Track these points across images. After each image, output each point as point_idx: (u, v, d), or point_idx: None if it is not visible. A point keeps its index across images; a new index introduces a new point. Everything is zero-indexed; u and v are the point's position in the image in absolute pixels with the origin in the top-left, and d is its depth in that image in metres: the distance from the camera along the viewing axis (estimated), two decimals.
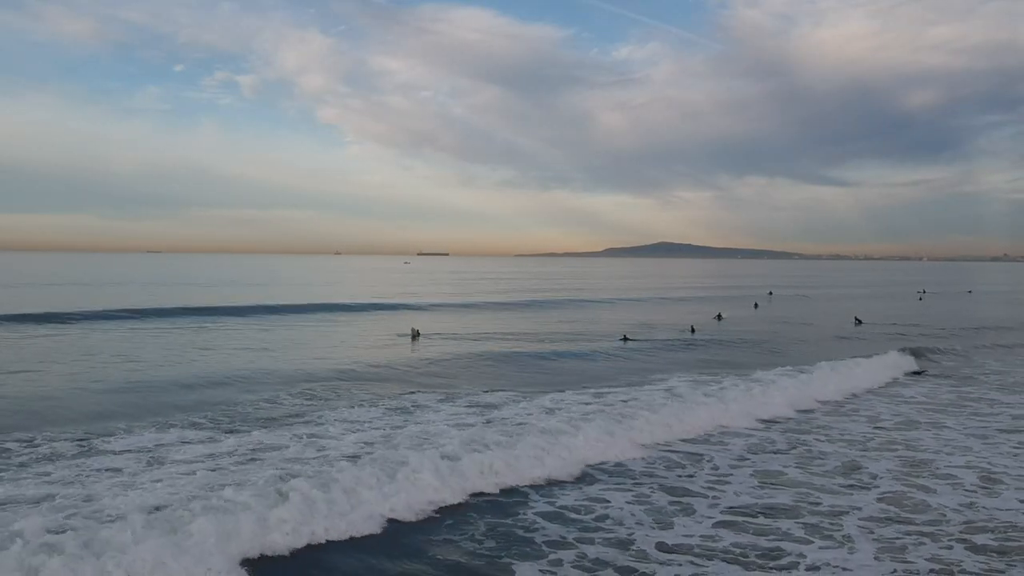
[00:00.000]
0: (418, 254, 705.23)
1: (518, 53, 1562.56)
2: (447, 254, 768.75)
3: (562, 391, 18.08)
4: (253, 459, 11.69)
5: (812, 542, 8.95)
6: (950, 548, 8.84)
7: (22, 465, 11.29)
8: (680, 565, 8.35)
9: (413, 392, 17.76)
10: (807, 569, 8.22)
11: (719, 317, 39.65)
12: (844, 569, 8.21)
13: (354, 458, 11.44)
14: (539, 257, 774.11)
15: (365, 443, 12.70)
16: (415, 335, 29.10)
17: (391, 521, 9.44)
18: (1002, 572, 8.20)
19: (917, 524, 9.60)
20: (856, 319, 40.10)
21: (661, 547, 8.82)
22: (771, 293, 66.86)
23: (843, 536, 9.15)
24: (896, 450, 13.31)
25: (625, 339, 29.65)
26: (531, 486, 10.98)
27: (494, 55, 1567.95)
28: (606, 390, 18.12)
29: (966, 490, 11.00)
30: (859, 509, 10.11)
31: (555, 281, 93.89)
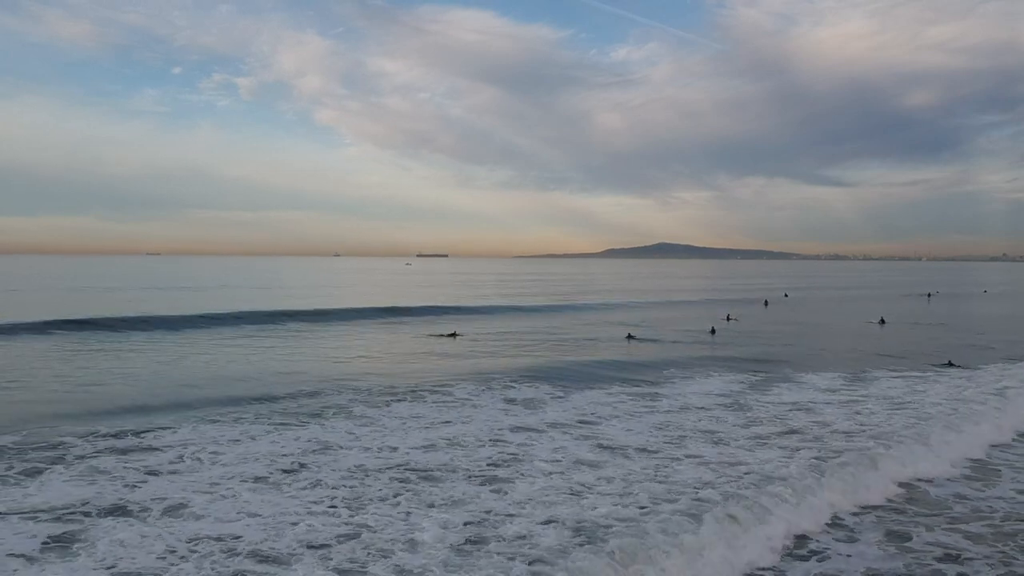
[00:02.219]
0: (417, 255, 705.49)
1: (516, 54, 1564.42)
2: (446, 255, 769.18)
3: (604, 388, 18.72)
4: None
5: None
6: None
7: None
8: None
9: (494, 390, 17.79)
10: None
11: (728, 318, 39.64)
12: None
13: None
14: (539, 258, 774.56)
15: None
16: (453, 336, 30.48)
17: None
18: None
19: None
20: (881, 319, 40.01)
21: None
22: (787, 295, 66.70)
23: None
24: None
25: (630, 337, 30.01)
26: None
27: (492, 56, 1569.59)
28: (654, 389, 18.20)
29: None
30: None
31: (561, 284, 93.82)
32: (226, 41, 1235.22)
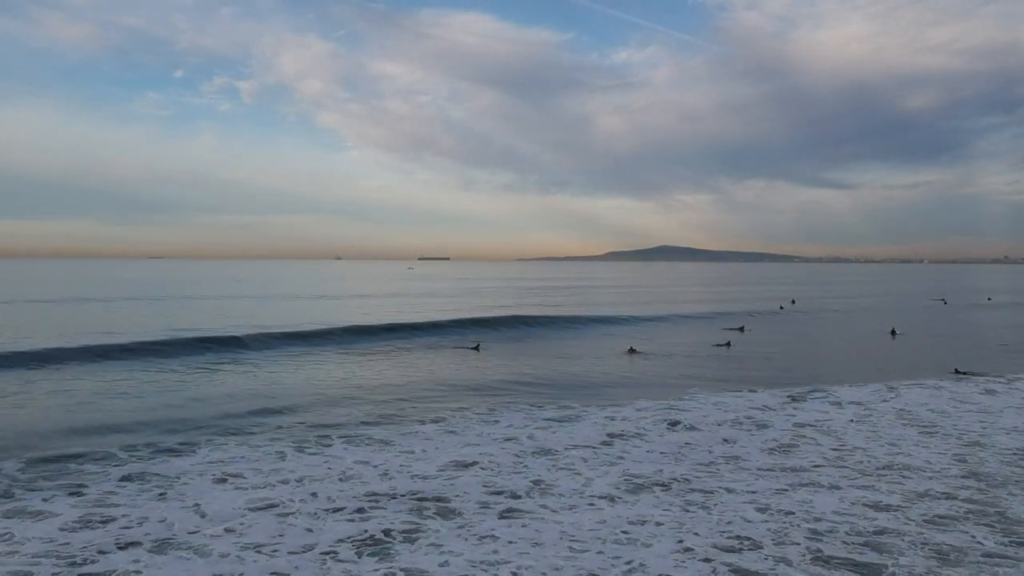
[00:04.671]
0: (419, 259, 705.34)
1: (517, 57, 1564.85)
2: (448, 259, 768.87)
3: (630, 407, 17.88)
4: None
5: None
6: None
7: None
8: None
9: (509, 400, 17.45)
10: None
11: (742, 329, 39.47)
12: None
13: None
14: (540, 261, 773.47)
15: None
16: (476, 348, 30.90)
17: None
18: None
19: None
20: (892, 331, 39.68)
21: None
22: (794, 301, 66.37)
23: None
24: None
25: (631, 351, 29.79)
26: None
27: (493, 59, 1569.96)
28: (676, 404, 17.73)
29: None
30: None
31: (566, 290, 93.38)
32: (228, 44, 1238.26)
